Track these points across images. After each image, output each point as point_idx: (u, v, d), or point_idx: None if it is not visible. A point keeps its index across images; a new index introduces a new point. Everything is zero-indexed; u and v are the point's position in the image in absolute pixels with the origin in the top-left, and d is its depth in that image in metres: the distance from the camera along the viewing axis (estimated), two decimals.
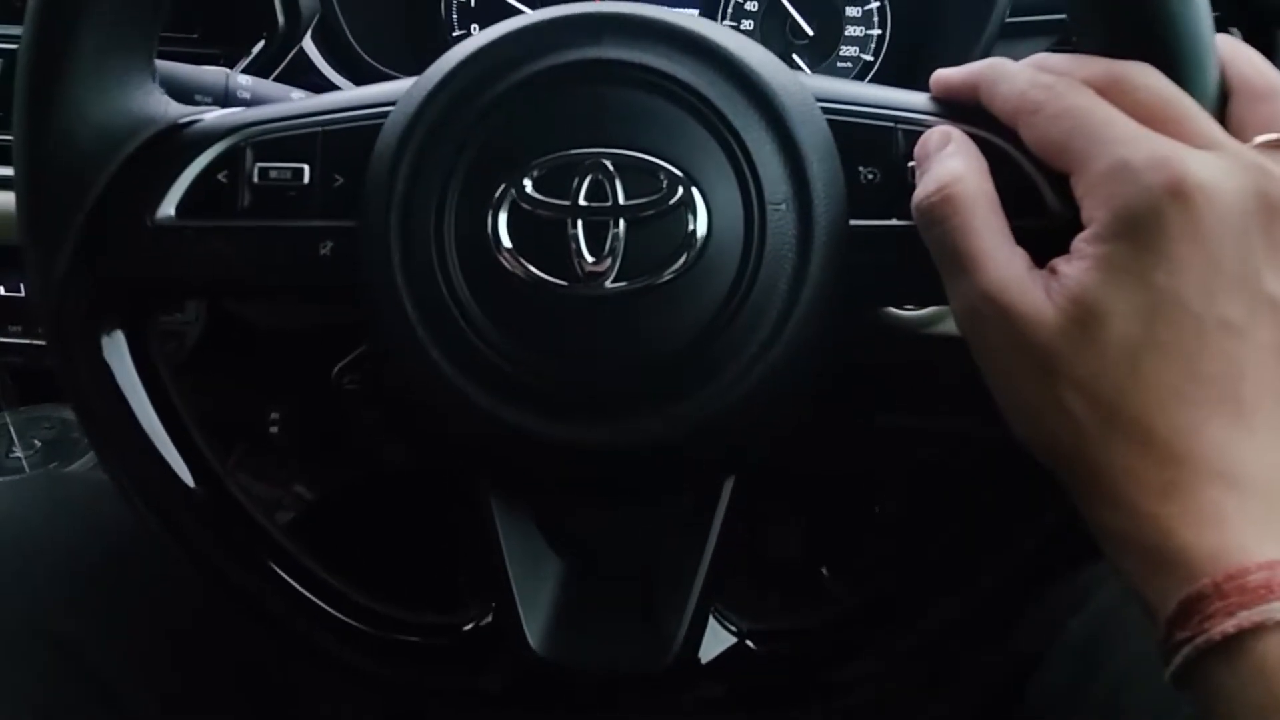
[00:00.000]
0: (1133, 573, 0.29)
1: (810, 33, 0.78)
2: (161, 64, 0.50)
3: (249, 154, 0.39)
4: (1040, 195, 0.36)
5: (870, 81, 0.80)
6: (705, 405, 0.36)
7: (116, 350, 0.39)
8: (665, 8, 0.39)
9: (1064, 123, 0.32)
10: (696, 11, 0.78)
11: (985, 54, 0.67)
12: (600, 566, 0.42)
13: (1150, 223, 0.29)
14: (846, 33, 0.79)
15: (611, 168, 0.36)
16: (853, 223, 0.38)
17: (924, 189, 0.34)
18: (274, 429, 0.75)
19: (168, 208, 0.39)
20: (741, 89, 0.37)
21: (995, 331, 0.32)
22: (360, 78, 0.71)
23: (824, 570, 0.75)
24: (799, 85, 0.38)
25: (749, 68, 0.37)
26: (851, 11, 0.79)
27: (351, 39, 0.68)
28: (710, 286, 0.36)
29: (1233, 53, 0.34)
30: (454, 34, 0.81)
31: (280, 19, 0.68)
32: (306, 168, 0.39)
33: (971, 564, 0.39)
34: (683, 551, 0.39)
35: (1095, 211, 0.31)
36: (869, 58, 0.79)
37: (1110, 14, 0.34)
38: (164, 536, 0.40)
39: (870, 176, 0.38)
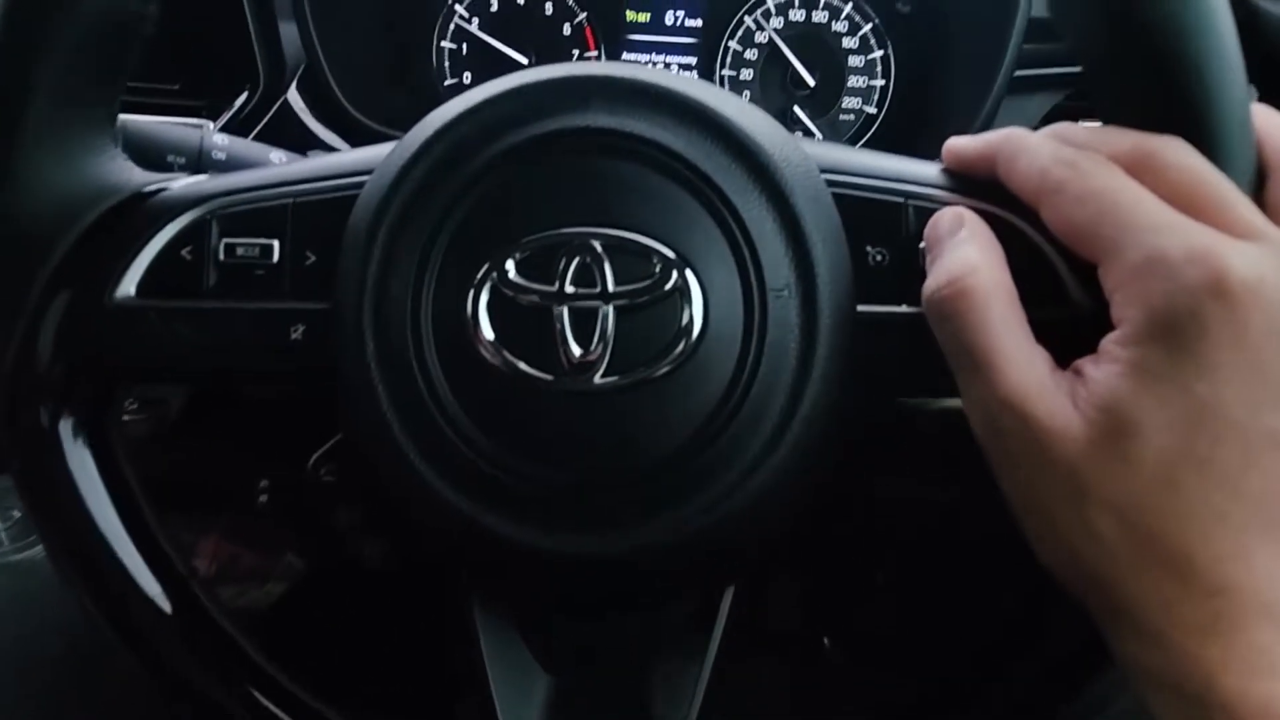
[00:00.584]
0: (1166, 715, 0.26)
1: (811, 83, 0.76)
2: (134, 120, 0.48)
3: (214, 228, 0.36)
4: (1062, 283, 0.33)
5: (875, 133, 0.78)
6: (702, 513, 0.33)
7: (73, 445, 0.36)
8: (659, 70, 0.36)
9: (1090, 206, 0.29)
10: (694, 61, 0.77)
11: (995, 109, 0.65)
12: (590, 681, 0.39)
13: (1189, 325, 0.26)
14: (849, 83, 0.77)
15: (600, 249, 0.33)
16: (860, 308, 0.35)
17: (935, 280, 0.31)
18: (263, 498, 0.72)
19: (127, 286, 0.36)
20: (741, 162, 0.34)
21: (1015, 442, 0.29)
22: (346, 130, 0.69)
23: (825, 640, 0.71)
24: (803, 157, 0.35)
25: (749, 138, 0.34)
26: (854, 62, 0.77)
27: (337, 91, 0.66)
28: (707, 381, 0.33)
29: (1270, 125, 0.32)
30: (445, 83, 0.79)
31: (263, 71, 0.66)
32: (276, 243, 0.36)
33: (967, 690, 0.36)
34: (679, 665, 0.36)
35: (1127, 309, 0.28)
36: (872, 109, 0.77)
37: (1138, 84, 0.31)
38: (123, 647, 0.37)
39: (879, 257, 0.35)
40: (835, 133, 0.78)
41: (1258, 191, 0.31)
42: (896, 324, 0.35)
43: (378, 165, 0.36)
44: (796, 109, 0.78)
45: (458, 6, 0.78)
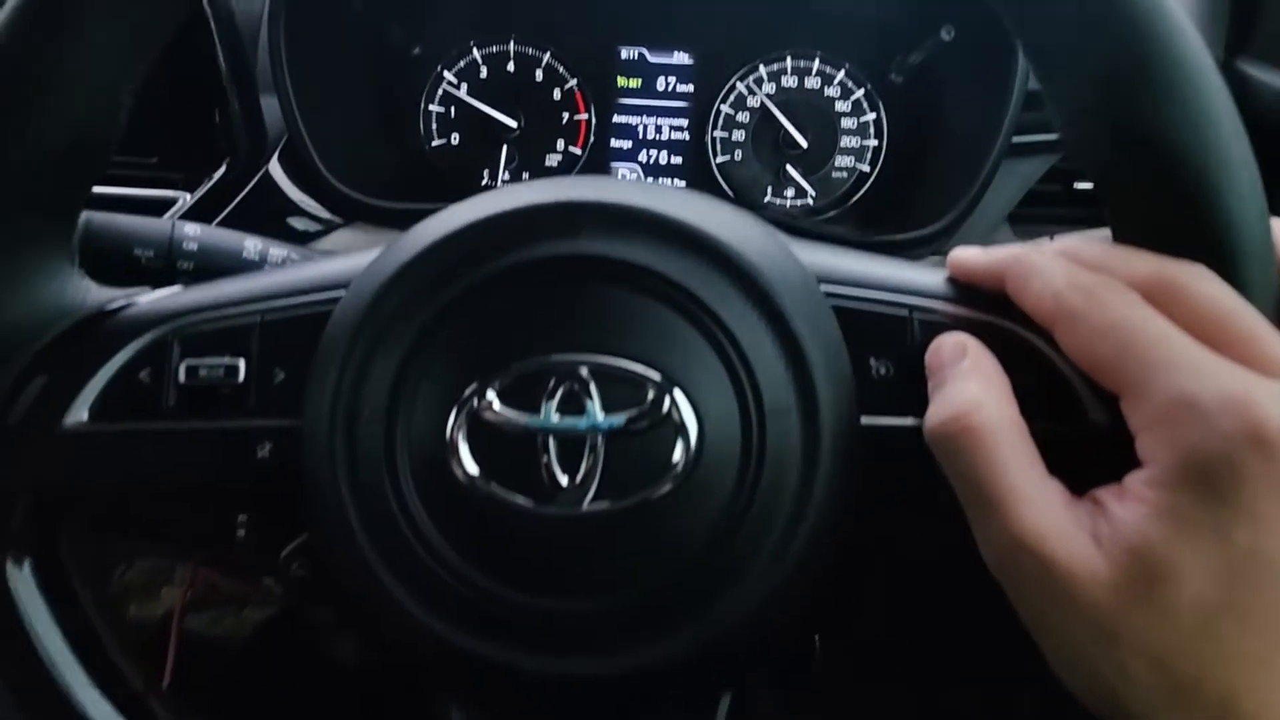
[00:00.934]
0: None
1: (804, 144, 0.75)
2: (99, 217, 0.46)
3: (176, 349, 0.34)
4: (1078, 401, 0.31)
5: (868, 191, 0.76)
6: (695, 637, 0.31)
7: (21, 583, 0.34)
8: (652, 188, 0.35)
9: (1111, 339, 0.27)
10: (685, 123, 0.76)
11: (993, 173, 0.63)
12: None
13: (1227, 475, 0.24)
14: (842, 143, 0.76)
15: (587, 376, 0.31)
16: (864, 420, 0.33)
17: (937, 414, 0.29)
18: (241, 531, 0.69)
19: (79, 411, 0.34)
20: (737, 285, 0.32)
21: (1035, 584, 0.27)
22: (328, 200, 0.67)
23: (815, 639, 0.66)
24: (800, 272, 0.34)
25: (745, 260, 0.32)
26: (847, 123, 0.75)
27: (318, 162, 0.64)
28: (703, 505, 0.31)
29: None
30: (433, 143, 0.78)
31: (244, 143, 0.64)
32: (241, 363, 0.34)
33: None
34: None
35: (1157, 452, 0.26)
36: (866, 168, 0.76)
37: (1151, 203, 0.30)
38: None
39: (883, 370, 0.34)
40: (828, 190, 0.77)
41: None
42: (902, 437, 0.33)
43: (354, 280, 0.34)
44: (789, 168, 0.77)
45: (446, 73, 0.77)
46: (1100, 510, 0.27)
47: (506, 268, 0.32)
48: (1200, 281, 0.28)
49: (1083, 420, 0.31)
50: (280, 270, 0.38)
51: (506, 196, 0.33)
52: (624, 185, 0.34)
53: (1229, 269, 0.28)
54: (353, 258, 0.37)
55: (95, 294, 0.36)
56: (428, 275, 0.32)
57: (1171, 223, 0.29)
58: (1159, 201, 0.29)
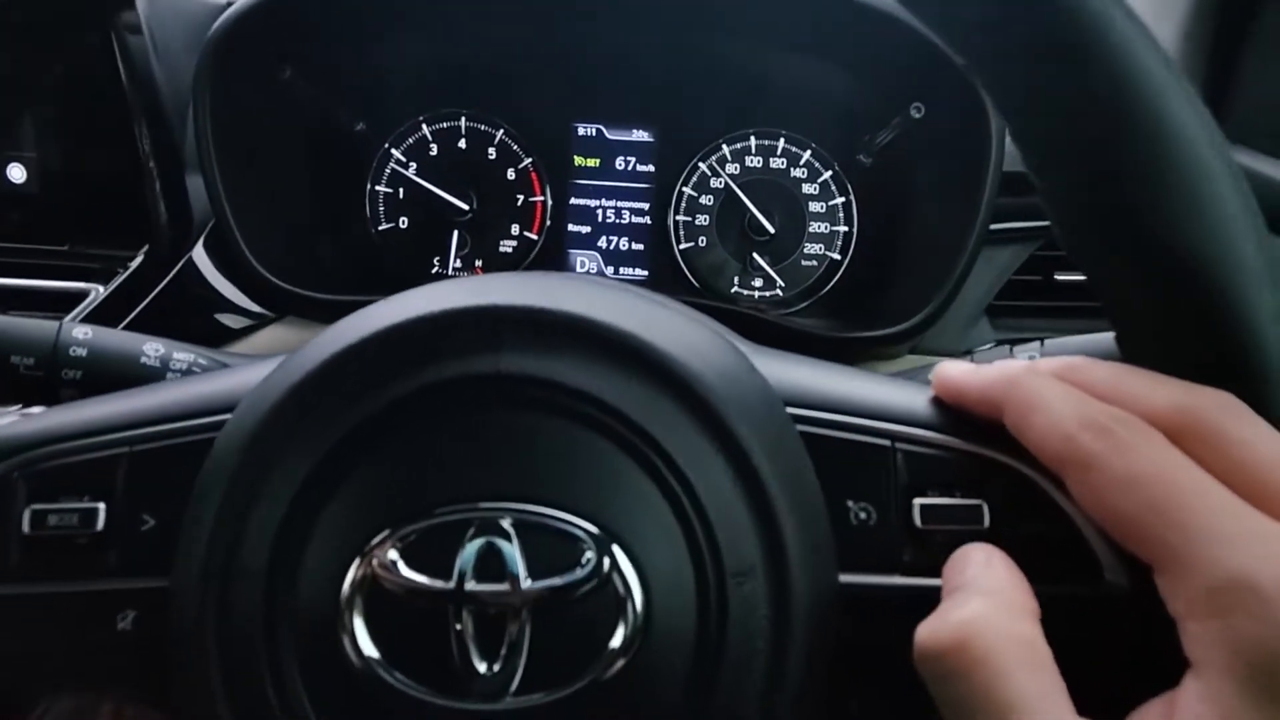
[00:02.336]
0: None
1: (771, 230, 0.72)
2: None
3: (21, 490, 0.29)
4: (1092, 557, 0.27)
5: (840, 280, 0.73)
6: None
7: None
8: (589, 286, 0.30)
9: (1137, 493, 0.23)
10: (646, 206, 0.72)
11: (971, 262, 0.60)
12: None
13: None
14: (811, 229, 0.73)
15: (510, 528, 0.26)
16: (843, 579, 0.28)
17: (931, 621, 0.24)
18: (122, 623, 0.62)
19: None
20: (688, 411, 0.27)
21: None
22: (256, 291, 0.62)
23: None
24: (765, 396, 0.29)
25: (699, 381, 0.27)
26: (815, 207, 0.72)
27: (246, 250, 0.59)
28: (650, 697, 0.26)
29: None
30: (380, 228, 0.74)
31: (165, 227, 0.59)
32: (102, 507, 0.29)
33: None
34: None
35: (1209, 650, 0.21)
36: (836, 256, 0.73)
37: (1170, 319, 0.26)
38: None
39: (863, 515, 0.29)
40: (798, 280, 0.73)
41: None
42: (887, 598, 0.28)
43: (240, 403, 0.29)
44: (755, 255, 0.73)
45: (394, 151, 0.73)
46: None
47: (414, 390, 0.27)
48: (1234, 419, 0.24)
49: (1098, 582, 0.27)
50: (157, 389, 0.33)
51: (414, 301, 0.28)
52: (553, 284, 0.29)
53: (1265, 400, 0.24)
54: (244, 372, 0.31)
55: None
56: (324, 399, 0.27)
57: (1194, 347, 0.25)
58: (1175, 318, 0.26)
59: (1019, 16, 0.25)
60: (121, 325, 0.58)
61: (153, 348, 0.43)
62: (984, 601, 0.24)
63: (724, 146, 0.72)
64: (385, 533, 0.26)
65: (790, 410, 0.30)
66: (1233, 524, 0.22)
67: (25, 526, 0.29)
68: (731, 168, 0.72)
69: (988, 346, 0.65)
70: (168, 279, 0.59)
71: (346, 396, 0.27)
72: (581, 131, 0.73)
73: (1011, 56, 0.26)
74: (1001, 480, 0.28)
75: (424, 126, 0.73)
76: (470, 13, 0.65)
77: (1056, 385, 0.26)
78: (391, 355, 0.28)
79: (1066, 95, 0.25)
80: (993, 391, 0.28)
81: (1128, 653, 0.26)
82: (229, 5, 0.64)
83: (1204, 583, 0.21)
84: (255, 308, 0.63)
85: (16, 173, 0.58)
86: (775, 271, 0.73)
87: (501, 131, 0.73)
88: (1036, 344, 0.41)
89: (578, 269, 0.75)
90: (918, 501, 0.28)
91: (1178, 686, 0.22)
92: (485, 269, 0.74)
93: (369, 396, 0.27)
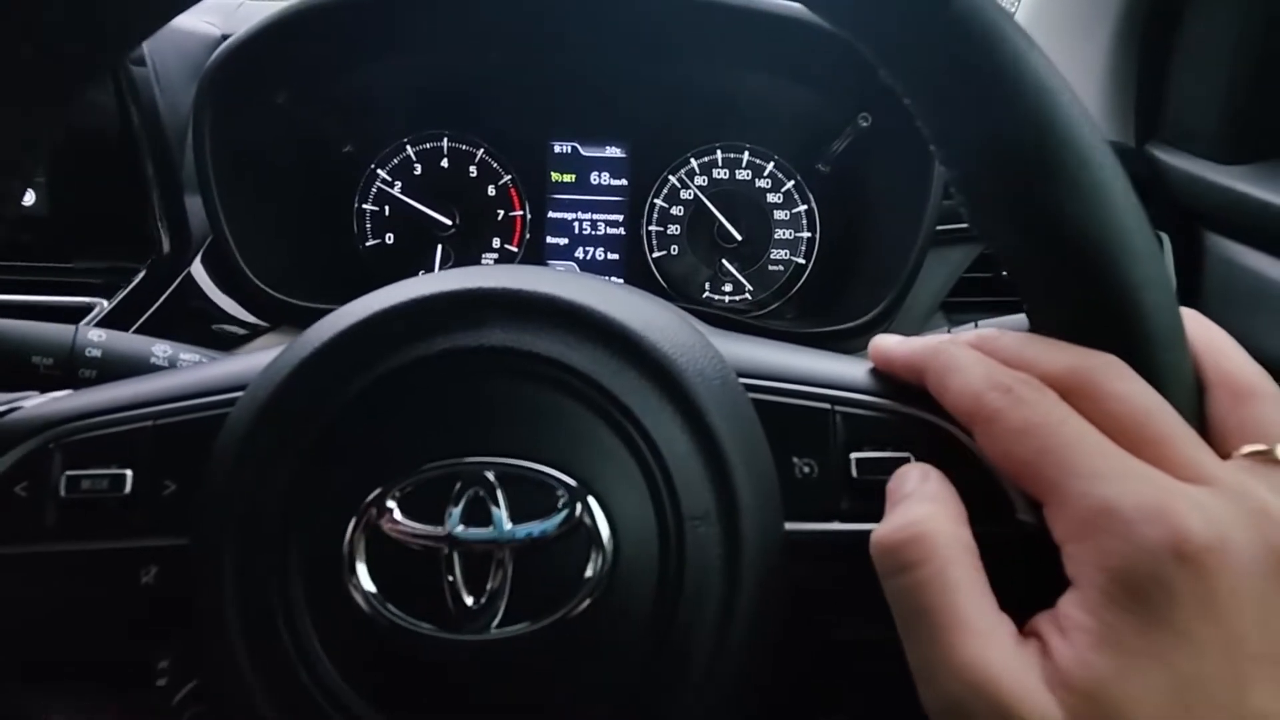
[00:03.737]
0: None
1: (739, 237, 0.76)
2: None
3: (57, 459, 0.32)
4: (1007, 500, 0.30)
5: (806, 282, 0.77)
6: None
7: None
8: (564, 276, 0.33)
9: (1030, 441, 0.26)
10: (620, 218, 0.76)
11: (920, 260, 0.64)
12: None
13: (1155, 591, 0.23)
14: (776, 235, 0.77)
15: (494, 480, 0.29)
16: (789, 526, 0.31)
17: (885, 525, 0.28)
18: (161, 682, 0.64)
19: None
20: (650, 378, 0.31)
21: None
22: (252, 303, 0.66)
23: None
24: (719, 366, 0.33)
25: (658, 351, 0.31)
26: (780, 215, 0.77)
27: (243, 264, 0.62)
28: (620, 623, 0.29)
29: (1207, 339, 0.29)
30: (367, 244, 0.77)
31: (166, 244, 0.63)
32: (129, 473, 0.32)
33: None
34: None
35: (1082, 568, 0.25)
36: (801, 260, 0.77)
37: (1066, 294, 0.29)
38: None
39: (807, 469, 0.32)
40: (766, 283, 0.77)
41: (1197, 409, 0.29)
42: (830, 543, 0.31)
43: (250, 383, 0.32)
44: (725, 261, 0.77)
45: (380, 171, 0.77)
46: (1044, 648, 0.25)
47: (405, 364, 0.30)
48: (1116, 378, 0.27)
49: (1011, 521, 0.30)
50: (175, 373, 0.36)
51: (407, 287, 0.32)
52: (531, 273, 0.33)
53: (1143, 360, 0.28)
54: (253, 357, 0.35)
55: None
56: (325, 373, 0.31)
57: (1084, 314, 0.29)
58: (1070, 293, 0.29)
59: (914, 28, 0.29)
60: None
61: (161, 349, 0.47)
62: (930, 505, 0.28)
63: (692, 160, 0.76)
64: (382, 487, 0.29)
65: (742, 380, 0.33)
66: (1103, 463, 0.25)
67: (61, 491, 0.32)
68: (700, 180, 0.76)
69: (936, 333, 0.70)
70: (168, 292, 0.62)
71: (347, 370, 0.31)
72: (558, 149, 0.77)
73: (911, 61, 0.30)
74: (926, 435, 0.31)
75: (408, 147, 0.77)
76: (451, 41, 0.69)
77: (969, 353, 0.30)
78: (387, 333, 0.31)
79: (963, 100, 0.29)
80: (916, 359, 0.32)
81: (1035, 578, 0.29)
82: (225, 37, 0.68)
83: (1078, 512, 0.25)
84: (251, 318, 0.66)
85: (27, 197, 0.61)
86: (744, 276, 0.77)
87: (482, 150, 0.77)
88: (972, 325, 0.46)
89: None
90: (854, 456, 0.32)
91: (1062, 598, 0.25)
92: None
93: (367, 369, 0.31)
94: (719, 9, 0.63)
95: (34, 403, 0.35)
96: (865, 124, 0.69)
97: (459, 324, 0.31)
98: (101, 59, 0.31)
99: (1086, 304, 0.29)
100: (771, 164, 0.76)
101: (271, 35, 0.61)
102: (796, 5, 0.62)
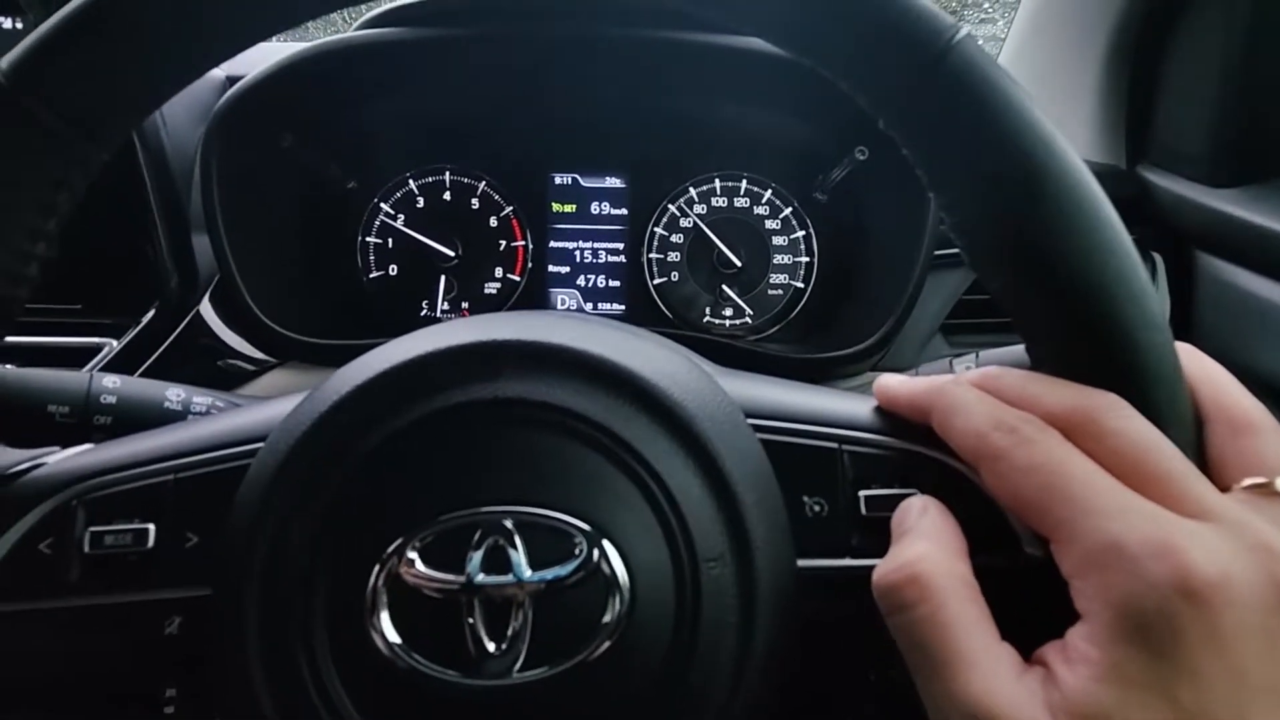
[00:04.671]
0: None
1: (739, 263, 0.77)
2: (11, 372, 0.44)
3: (80, 515, 0.33)
4: (1012, 533, 0.31)
5: (805, 306, 0.78)
6: None
7: None
8: (575, 322, 0.34)
9: (1035, 479, 0.27)
10: (621, 246, 0.77)
11: (920, 284, 0.65)
12: None
13: (1161, 627, 0.24)
14: (775, 260, 0.78)
15: (512, 528, 0.30)
16: (801, 563, 0.32)
17: (884, 565, 0.29)
18: (169, 709, 0.64)
19: None
20: (662, 424, 0.32)
21: None
22: (260, 340, 0.66)
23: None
24: (727, 407, 0.33)
25: (669, 398, 0.32)
26: (778, 240, 0.78)
27: (251, 302, 0.63)
28: (639, 665, 0.30)
29: (1203, 374, 0.30)
30: (370, 275, 0.78)
31: (175, 284, 0.64)
32: (151, 527, 0.33)
33: None
34: None
35: (1090, 602, 0.26)
36: (800, 284, 0.78)
37: (1066, 334, 0.30)
38: None
39: (817, 508, 0.33)
40: (765, 308, 0.78)
41: (1196, 443, 0.30)
42: (841, 579, 0.32)
43: (271, 433, 0.33)
44: (725, 287, 0.78)
45: (383, 204, 0.78)
46: (1050, 676, 0.26)
47: (424, 416, 0.31)
48: (1118, 416, 0.28)
49: (1017, 554, 0.31)
50: (195, 424, 0.37)
51: (423, 340, 0.33)
52: (544, 321, 0.34)
53: (1142, 397, 0.29)
54: (272, 406, 0.35)
55: None
56: (345, 426, 0.31)
57: (1083, 355, 0.30)
58: (1069, 335, 0.30)
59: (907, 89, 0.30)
60: (135, 375, 0.62)
61: (174, 393, 0.47)
62: (927, 544, 0.28)
63: (691, 189, 0.77)
64: (403, 538, 0.30)
65: (750, 420, 0.34)
66: (1108, 500, 0.26)
67: (85, 547, 0.32)
68: (699, 208, 0.78)
69: (939, 361, 0.71)
70: (177, 331, 0.63)
71: (366, 423, 0.31)
72: (558, 180, 0.78)
73: (908, 113, 0.31)
74: (933, 472, 0.32)
75: (410, 181, 0.78)
76: (452, 78, 0.70)
77: (973, 392, 0.31)
78: (405, 386, 0.32)
79: (958, 149, 0.30)
80: (921, 399, 0.33)
81: (1042, 609, 0.30)
82: (230, 79, 0.69)
83: (1085, 548, 0.26)
84: (259, 354, 0.67)
85: None
86: (744, 301, 0.78)
87: (483, 183, 0.78)
88: (973, 356, 0.46)
89: (559, 306, 0.79)
90: (863, 493, 0.33)
91: (1070, 630, 0.26)
92: (472, 310, 0.78)
93: (386, 422, 0.31)
94: (715, 49, 0.65)
95: (56, 459, 0.35)
96: (862, 157, 0.70)
97: (473, 376, 0.32)
98: (121, 128, 0.32)
99: (1085, 345, 0.29)
100: (769, 192, 0.77)
101: (279, 80, 0.62)
102: None
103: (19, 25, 0.59)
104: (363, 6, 0.61)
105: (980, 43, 0.29)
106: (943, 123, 0.30)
